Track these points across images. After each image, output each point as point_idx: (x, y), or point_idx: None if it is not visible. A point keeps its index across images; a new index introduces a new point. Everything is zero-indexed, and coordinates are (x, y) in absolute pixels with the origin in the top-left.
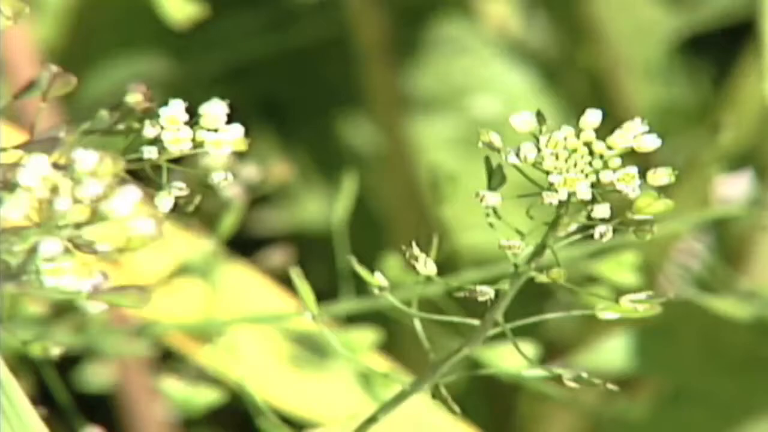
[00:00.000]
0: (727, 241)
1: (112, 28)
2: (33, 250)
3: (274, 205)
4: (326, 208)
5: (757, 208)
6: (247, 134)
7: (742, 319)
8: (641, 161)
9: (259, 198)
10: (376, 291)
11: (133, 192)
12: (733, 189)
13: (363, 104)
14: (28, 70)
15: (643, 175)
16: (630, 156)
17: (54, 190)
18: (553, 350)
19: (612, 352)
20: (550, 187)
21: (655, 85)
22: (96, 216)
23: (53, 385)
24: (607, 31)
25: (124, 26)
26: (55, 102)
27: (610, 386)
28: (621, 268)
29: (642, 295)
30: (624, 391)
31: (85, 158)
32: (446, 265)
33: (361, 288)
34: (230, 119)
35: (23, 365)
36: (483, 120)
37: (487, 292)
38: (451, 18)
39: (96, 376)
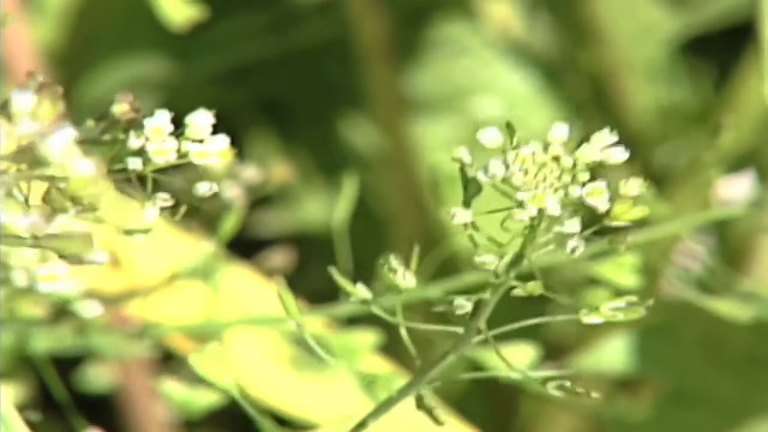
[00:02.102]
0: (728, 243)
1: (112, 29)
2: None
3: (275, 206)
4: (327, 209)
5: (758, 209)
6: (247, 135)
7: (743, 320)
8: (639, 161)
9: (260, 199)
10: (360, 302)
11: (68, 131)
12: (734, 190)
13: (364, 105)
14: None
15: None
16: (630, 158)
17: None
18: (553, 351)
19: (613, 353)
20: (520, 204)
21: (657, 87)
22: (35, 157)
23: (54, 386)
24: (608, 32)
25: (124, 28)
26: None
27: (609, 383)
28: (621, 270)
29: (621, 303)
30: (625, 392)
31: (23, 99)
32: (447, 265)
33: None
34: (231, 121)
35: (24, 366)
36: (484, 121)
37: (464, 306)
38: (453, 19)
39: (96, 378)
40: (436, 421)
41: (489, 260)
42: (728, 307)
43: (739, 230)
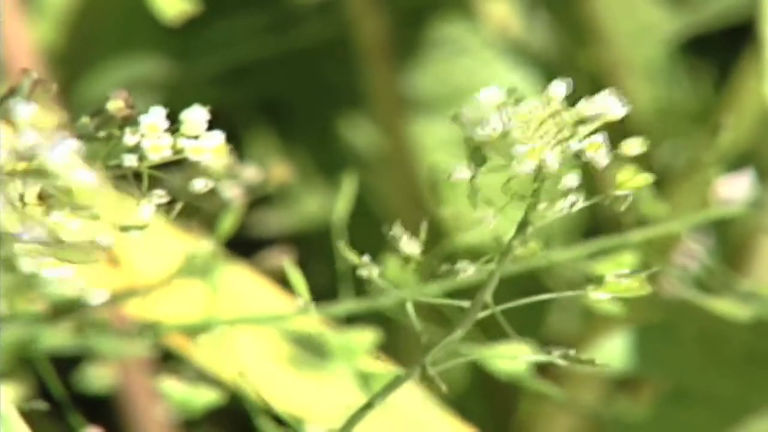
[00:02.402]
0: (728, 242)
1: (112, 29)
2: None
3: (274, 205)
4: (326, 208)
5: (758, 208)
6: (247, 135)
7: (742, 319)
8: (640, 159)
9: (259, 199)
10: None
11: (70, 142)
12: (733, 190)
13: (363, 105)
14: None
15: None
16: (630, 157)
17: None
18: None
19: (612, 352)
20: (518, 158)
21: (656, 86)
22: (37, 167)
23: (53, 385)
24: (608, 32)
25: (124, 27)
26: (53, 103)
27: (607, 380)
28: (620, 269)
29: (627, 271)
30: (624, 391)
31: (24, 109)
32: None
33: (361, 288)
34: (230, 120)
35: (23, 365)
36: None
37: (467, 269)
38: (452, 19)
39: (96, 377)
40: (440, 390)
41: (488, 216)
42: (727, 307)
43: (739, 230)
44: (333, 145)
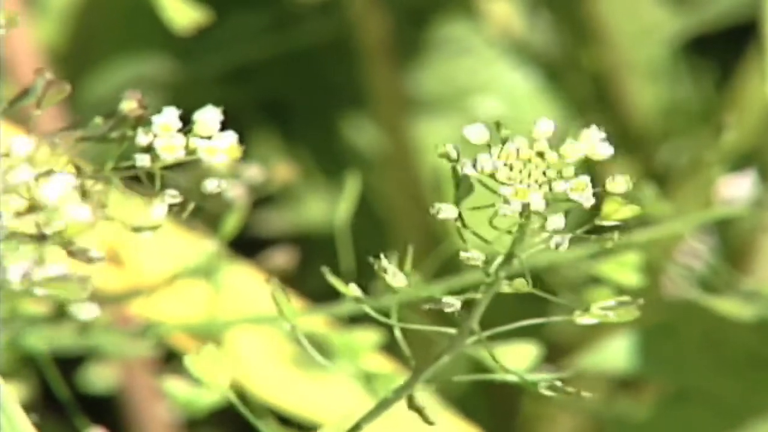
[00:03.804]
0: (730, 242)
1: (114, 29)
2: None
3: (277, 205)
4: (329, 208)
5: (760, 208)
6: (250, 135)
7: (745, 319)
8: (642, 159)
9: (262, 199)
10: (355, 301)
11: (66, 177)
12: (736, 189)
13: (366, 105)
14: (30, 71)
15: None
16: (632, 153)
17: None
18: (556, 351)
19: (615, 353)
20: (504, 199)
21: (659, 86)
22: (32, 202)
23: (56, 385)
24: (610, 31)
25: (126, 28)
26: (58, 104)
27: (611, 383)
28: (623, 269)
29: (612, 303)
30: (627, 392)
31: (21, 144)
32: (449, 265)
33: (364, 288)
34: (233, 120)
35: (26, 366)
36: (486, 121)
37: (453, 304)
38: (454, 18)
39: (99, 377)
40: (427, 420)
41: (476, 256)
42: (730, 307)
43: (741, 229)
44: (335, 144)
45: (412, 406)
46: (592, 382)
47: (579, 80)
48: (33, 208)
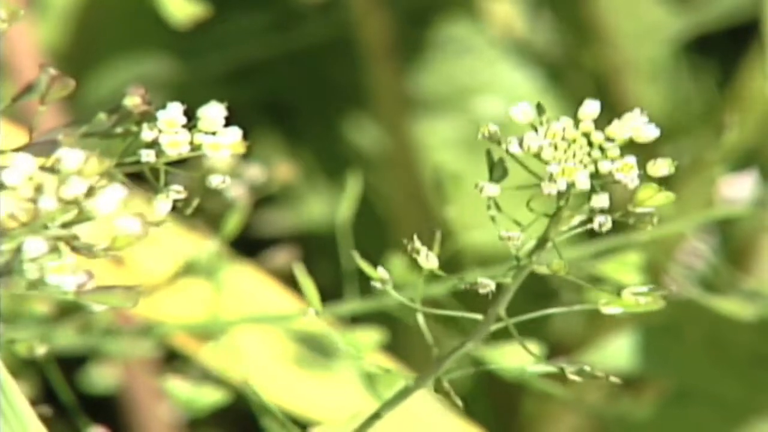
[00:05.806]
0: (732, 241)
1: (115, 28)
2: (18, 250)
3: (279, 205)
4: (331, 208)
5: (762, 208)
6: (251, 135)
7: (747, 319)
8: (646, 158)
9: (263, 198)
10: (378, 285)
11: (117, 191)
12: (738, 189)
13: (368, 105)
14: (31, 70)
15: (643, 167)
16: (633, 152)
17: (39, 189)
18: (558, 350)
19: (617, 352)
20: (550, 177)
21: (660, 86)
22: (82, 215)
23: (58, 385)
24: (612, 31)
25: (127, 27)
26: (59, 103)
27: (613, 381)
28: (625, 268)
29: (644, 288)
30: (629, 391)
31: (71, 157)
32: (450, 264)
33: (366, 288)
34: (234, 120)
35: (28, 366)
36: (487, 120)
37: (488, 284)
38: (456, 18)
39: (101, 377)
40: (455, 406)
41: (515, 236)
42: (732, 306)
43: (743, 229)
44: (337, 144)
45: (440, 389)
46: (594, 381)
47: (580, 80)
48: (81, 219)
